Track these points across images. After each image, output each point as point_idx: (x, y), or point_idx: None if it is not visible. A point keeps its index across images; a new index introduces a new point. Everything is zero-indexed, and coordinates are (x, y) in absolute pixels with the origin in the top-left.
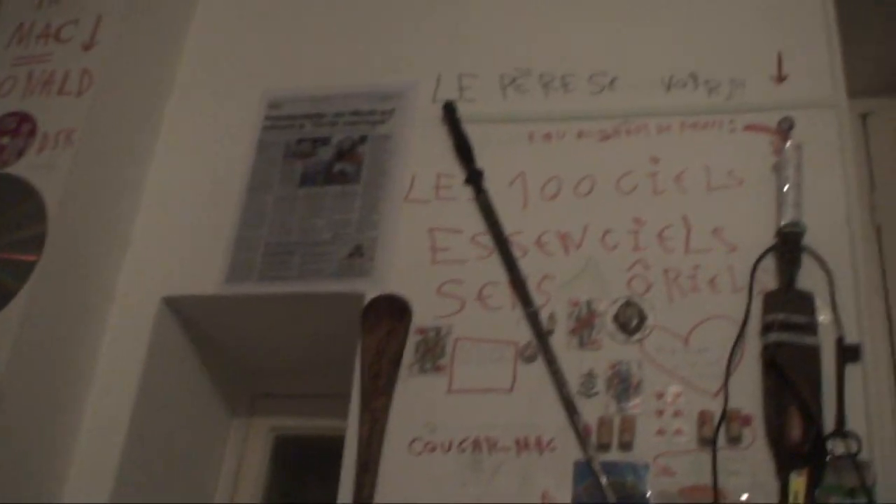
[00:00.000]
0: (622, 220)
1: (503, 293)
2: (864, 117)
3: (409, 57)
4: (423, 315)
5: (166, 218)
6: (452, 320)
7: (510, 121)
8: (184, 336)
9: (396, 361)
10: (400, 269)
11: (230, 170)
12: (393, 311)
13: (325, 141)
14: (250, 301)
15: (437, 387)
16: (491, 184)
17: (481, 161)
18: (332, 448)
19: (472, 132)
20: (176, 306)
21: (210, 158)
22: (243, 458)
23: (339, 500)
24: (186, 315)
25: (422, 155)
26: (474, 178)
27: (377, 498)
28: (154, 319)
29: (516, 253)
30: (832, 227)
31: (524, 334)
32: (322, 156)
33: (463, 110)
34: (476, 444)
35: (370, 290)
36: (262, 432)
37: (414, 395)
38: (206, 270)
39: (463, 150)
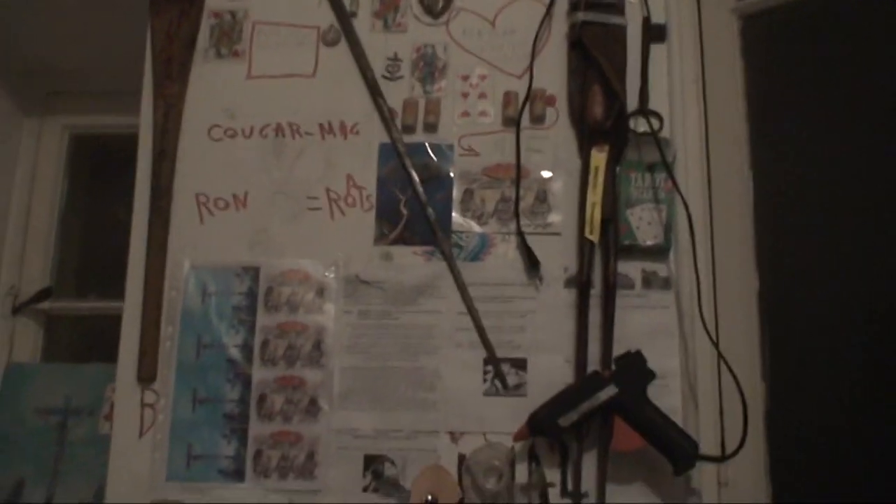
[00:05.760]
0: None
1: None
2: None
3: None
4: None
5: None
6: (249, 3)
7: None
8: None
9: (190, 45)
10: None
11: None
12: None
13: None
14: None
15: (236, 72)
16: None
17: None
18: (129, 145)
19: None
20: None
21: None
22: (38, 157)
23: (136, 190)
24: None
25: None
26: None
27: (176, 185)
28: None
29: None
30: None
31: (326, 17)
32: None
33: None
34: (278, 130)
35: None
36: (57, 131)
37: (211, 80)
38: None
39: None
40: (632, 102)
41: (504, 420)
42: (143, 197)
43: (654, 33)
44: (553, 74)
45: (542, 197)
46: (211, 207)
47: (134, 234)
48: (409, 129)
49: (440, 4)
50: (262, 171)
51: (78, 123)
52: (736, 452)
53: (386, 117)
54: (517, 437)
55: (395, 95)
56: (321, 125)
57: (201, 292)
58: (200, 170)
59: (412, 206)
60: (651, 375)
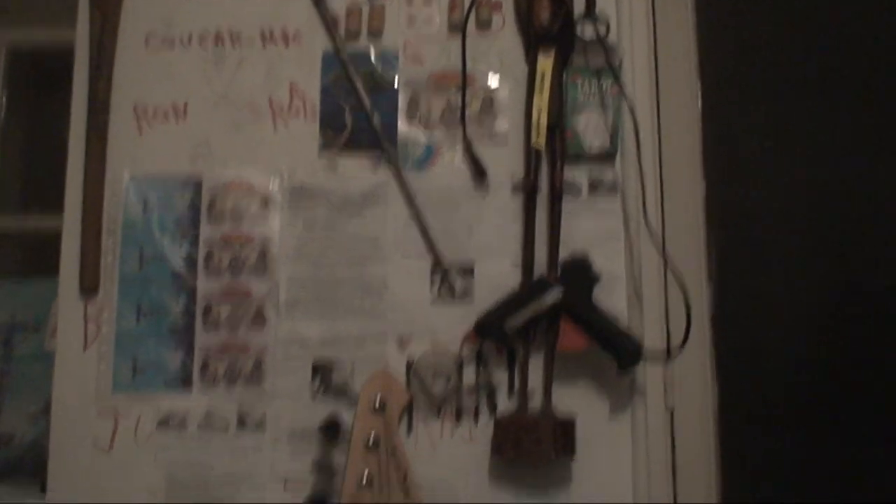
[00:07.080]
0: None
1: None
2: None
3: None
4: None
5: None
6: None
7: None
8: None
9: None
10: None
11: None
12: None
13: None
14: None
15: None
16: None
17: None
18: (68, 59)
19: None
20: None
21: None
22: None
23: (73, 104)
24: None
25: None
26: None
27: (113, 98)
28: None
29: None
30: None
31: None
32: None
33: None
34: (218, 38)
35: None
36: None
37: None
38: None
39: None
40: (579, 7)
41: (452, 326)
42: (81, 110)
43: None
44: None
45: (489, 104)
46: (150, 119)
47: (72, 148)
48: (352, 36)
49: None
50: (201, 81)
51: (15, 38)
52: (679, 350)
53: (329, 24)
54: (465, 342)
55: (338, 1)
56: (262, 33)
57: (142, 204)
58: (138, 81)
59: (357, 115)
60: (596, 278)
